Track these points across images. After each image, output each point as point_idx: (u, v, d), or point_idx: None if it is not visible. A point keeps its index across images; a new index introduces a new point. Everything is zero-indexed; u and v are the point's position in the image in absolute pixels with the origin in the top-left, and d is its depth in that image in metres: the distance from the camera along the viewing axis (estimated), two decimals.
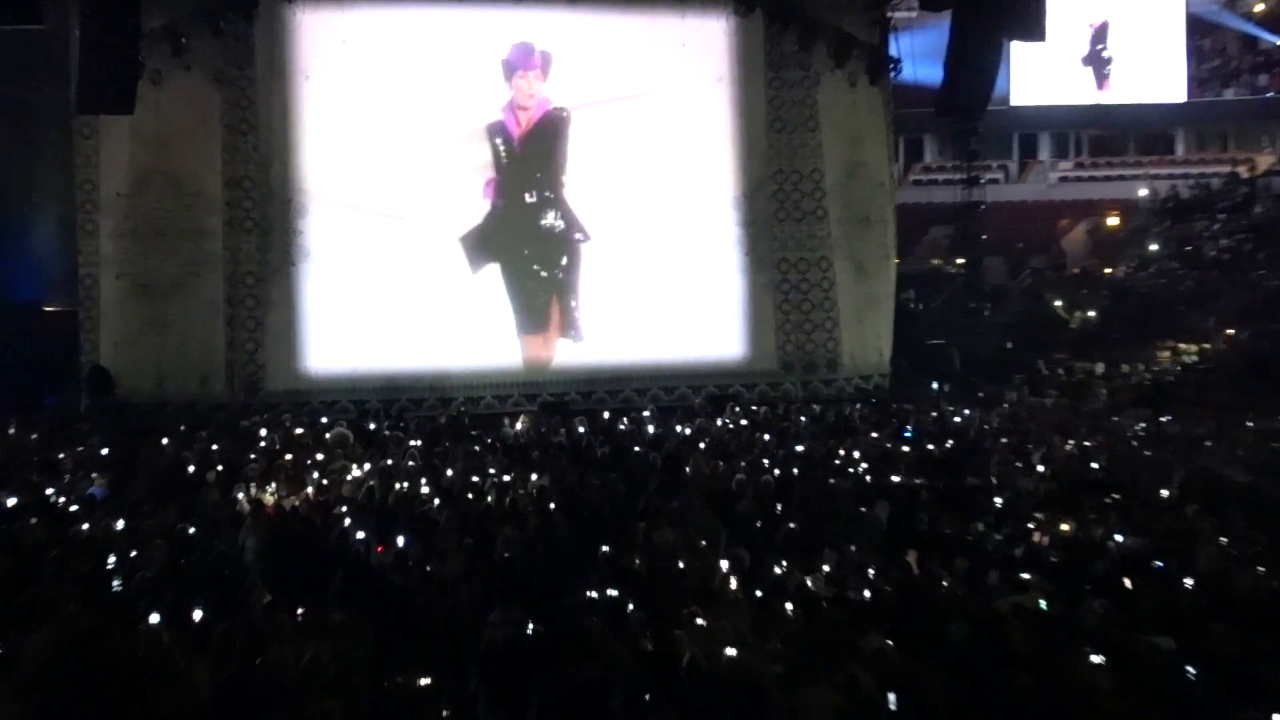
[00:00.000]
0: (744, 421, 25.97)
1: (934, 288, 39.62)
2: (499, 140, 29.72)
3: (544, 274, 29.91)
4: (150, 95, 26.56)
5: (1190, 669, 10.49)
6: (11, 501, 16.90)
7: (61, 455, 20.70)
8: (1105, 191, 49.04)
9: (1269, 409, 25.73)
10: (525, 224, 29.93)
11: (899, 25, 32.19)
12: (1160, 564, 14.01)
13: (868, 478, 19.57)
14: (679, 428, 24.94)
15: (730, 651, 10.74)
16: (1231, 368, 32.16)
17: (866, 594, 12.94)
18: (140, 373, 27.25)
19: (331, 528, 15.88)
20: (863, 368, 31.39)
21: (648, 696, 10.43)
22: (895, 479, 19.33)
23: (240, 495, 17.86)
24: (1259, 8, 51.23)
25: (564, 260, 30.02)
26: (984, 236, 37.35)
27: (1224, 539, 15.26)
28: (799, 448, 22.04)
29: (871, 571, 13.72)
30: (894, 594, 12.97)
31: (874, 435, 23.97)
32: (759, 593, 13.02)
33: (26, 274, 28.75)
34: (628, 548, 14.72)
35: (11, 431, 23.12)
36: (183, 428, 24.01)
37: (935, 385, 32.24)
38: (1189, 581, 13.17)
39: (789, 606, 12.30)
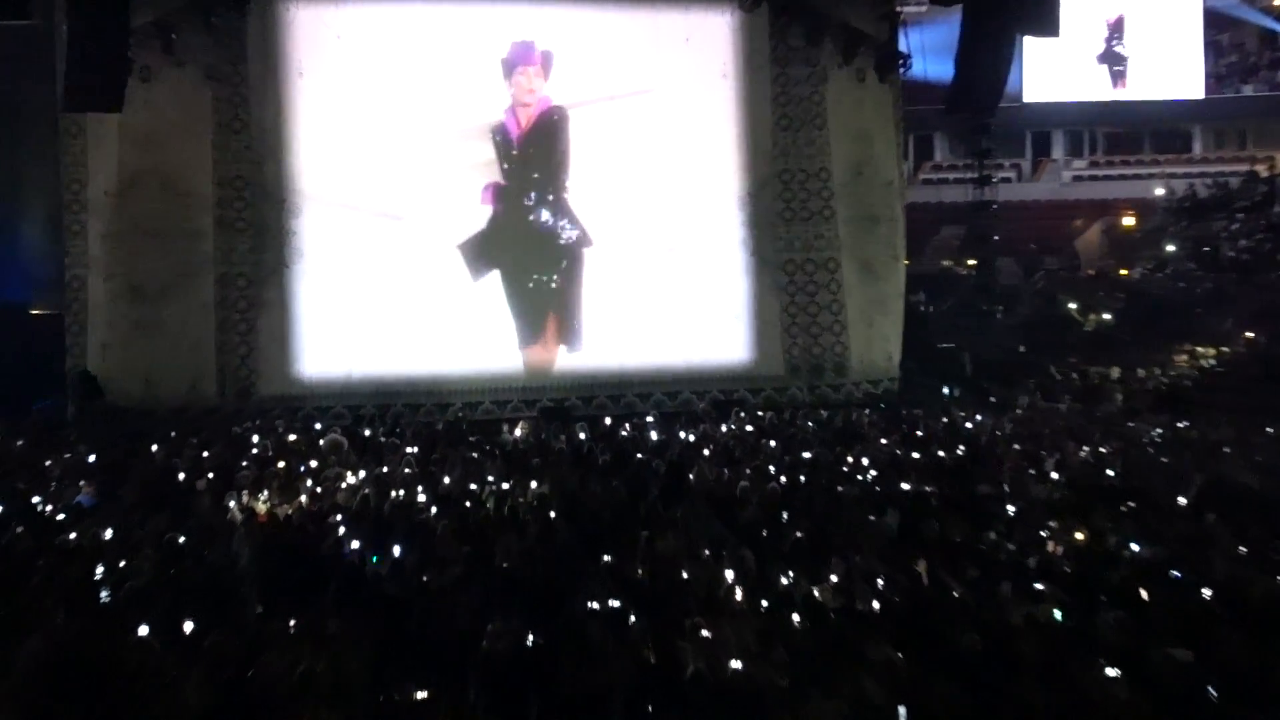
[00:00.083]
0: (749, 427, 25.84)
1: (944, 289, 39.48)
2: (498, 141, 29.51)
3: (544, 278, 29.68)
4: (140, 92, 26.32)
5: (1208, 681, 10.32)
6: None
7: (49, 462, 20.53)
8: (1120, 191, 48.86)
9: None
10: (525, 227, 29.70)
11: (908, 20, 32.11)
12: (1177, 573, 13.82)
13: (876, 485, 19.54)
14: (683, 434, 24.92)
15: (735, 663, 10.71)
16: (1250, 371, 32.05)
17: (875, 604, 12.92)
18: (129, 377, 26.99)
19: (326, 536, 15.78)
20: (871, 372, 31.13)
21: (650, 709, 10.42)
22: (905, 486, 19.26)
23: (232, 503, 17.78)
24: (1278, 1, 50.75)
25: (564, 263, 29.78)
26: (996, 237, 37.16)
27: (1242, 548, 15.10)
28: (806, 454, 21.98)
29: (880, 581, 13.66)
30: (903, 604, 12.91)
31: (883, 441, 23.88)
32: (765, 603, 12.96)
33: (13, 276, 28.58)
34: (630, 557, 14.71)
35: None
36: (173, 434, 23.76)
37: (946, 389, 32.03)
38: (1207, 591, 12.97)
39: (795, 617, 12.28)
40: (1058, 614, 12.16)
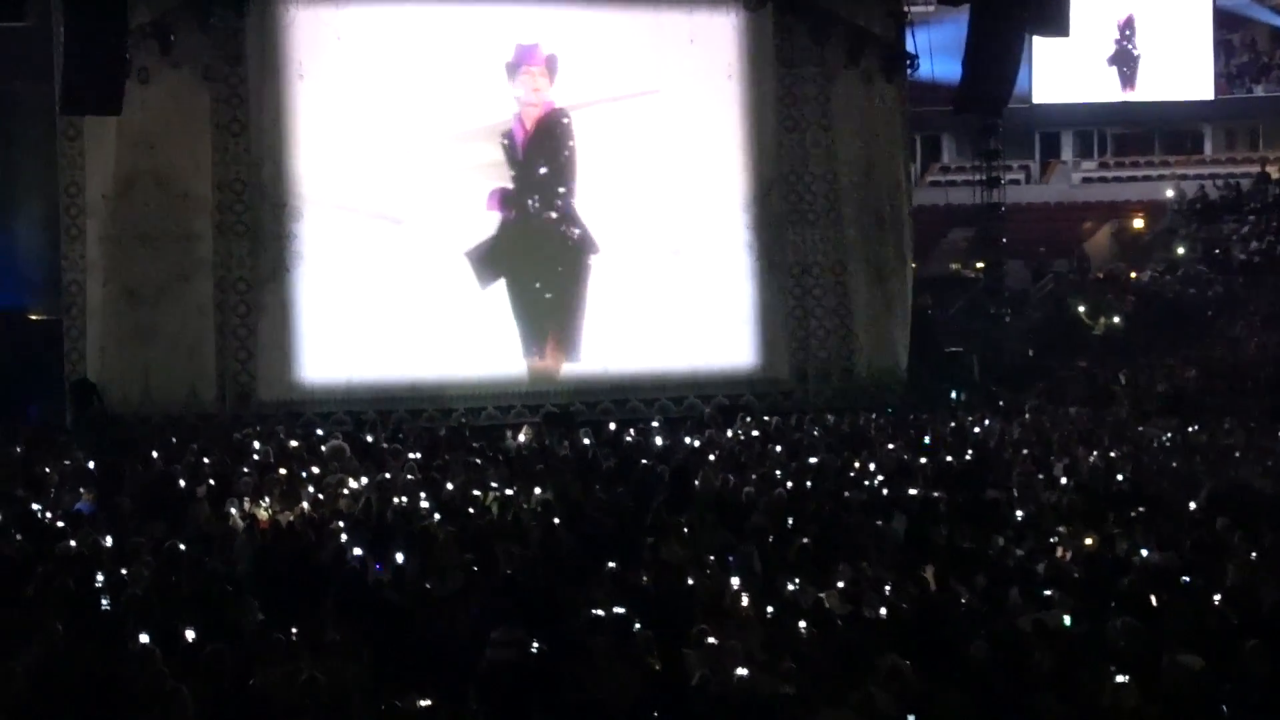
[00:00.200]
0: (755, 433, 25.97)
1: (952, 292, 39.58)
2: (505, 145, 29.35)
3: (549, 282, 29.53)
4: (137, 94, 26.01)
5: (1219, 689, 10.43)
6: None
7: (47, 469, 20.53)
8: (1130, 192, 48.82)
9: None
10: (531, 232, 29.61)
11: (915, 19, 31.87)
12: (1188, 579, 14.01)
13: (884, 490, 19.84)
14: (688, 439, 25.14)
15: (741, 671, 10.74)
16: (1261, 375, 31.92)
17: (883, 611, 13.01)
18: (127, 382, 26.86)
19: (327, 543, 15.94)
20: (879, 376, 31.00)
21: (656, 718, 10.53)
22: (912, 491, 19.58)
23: (233, 510, 17.89)
24: None
25: (570, 268, 29.64)
26: (1004, 239, 36.90)
27: (1254, 553, 15.27)
28: (812, 460, 22.26)
29: (888, 588, 13.80)
30: (911, 611, 13.02)
31: (890, 446, 24.07)
32: (771, 610, 13.08)
33: (9, 280, 28.46)
34: (635, 564, 14.90)
35: None
36: (173, 440, 23.68)
37: (954, 394, 31.94)
38: (1218, 597, 13.08)
39: (802, 624, 12.33)
40: (1067, 620, 12.23)
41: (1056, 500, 18.78)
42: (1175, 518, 17.64)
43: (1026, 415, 28.36)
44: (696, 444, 24.38)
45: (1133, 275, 42.88)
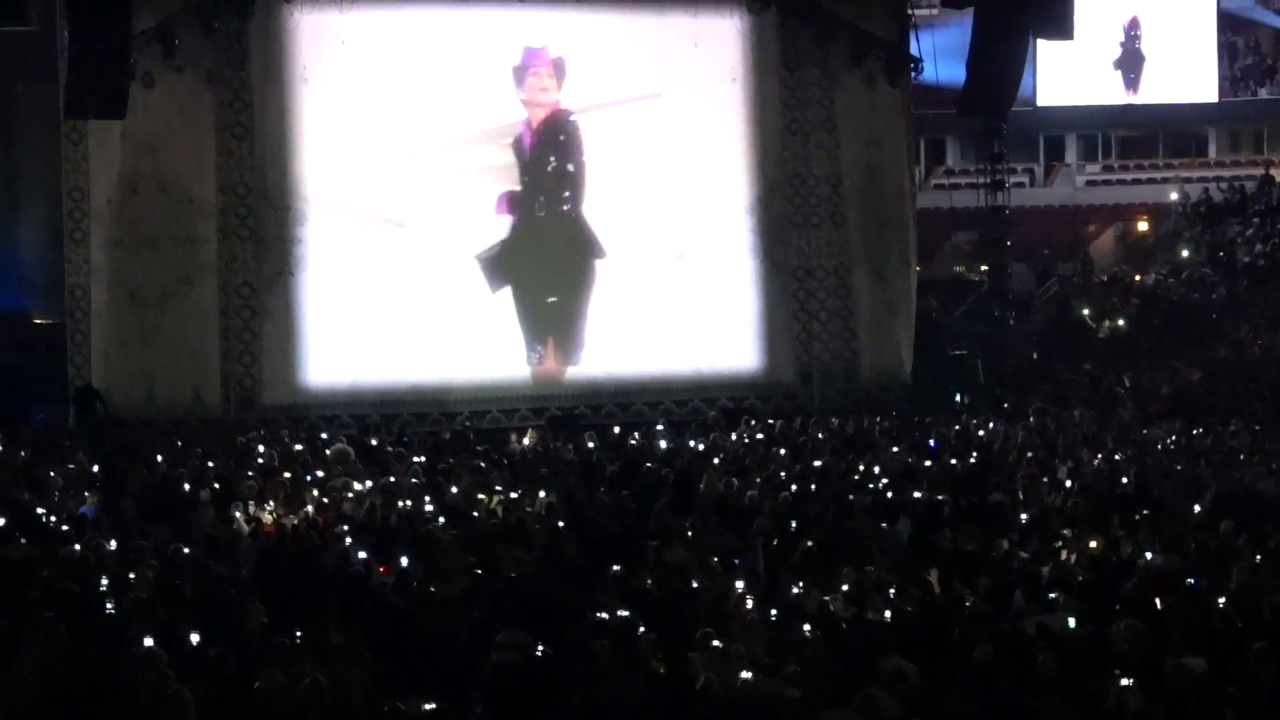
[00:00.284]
0: (759, 435, 25.96)
1: (957, 295, 39.33)
2: (512, 148, 29.35)
3: (553, 285, 29.52)
4: (141, 98, 26.08)
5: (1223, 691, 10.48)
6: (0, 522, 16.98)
7: (51, 473, 20.48)
8: (1135, 195, 48.62)
9: None
10: (536, 235, 29.59)
11: (919, 22, 31.93)
12: (1192, 582, 14.13)
13: (888, 493, 19.88)
14: (692, 443, 25.14)
15: (746, 674, 10.86)
16: (1266, 378, 31.88)
17: (887, 614, 13.13)
18: (131, 386, 26.86)
19: (330, 547, 16.05)
20: (883, 379, 30.98)
21: None
22: (916, 494, 19.63)
23: (237, 514, 18.02)
24: None
25: (573, 271, 29.62)
26: (1008, 242, 36.86)
27: (1259, 556, 15.33)
28: (816, 463, 22.31)
29: (892, 591, 13.93)
30: (915, 614, 13.14)
31: (894, 449, 24.08)
32: (775, 613, 13.24)
33: (12, 283, 28.41)
34: (639, 567, 15.04)
35: None
36: (177, 444, 23.68)
37: (958, 397, 31.90)
38: (1222, 600, 13.18)
39: (807, 627, 12.51)
40: (1071, 623, 12.31)
41: (1061, 503, 18.77)
42: (1180, 521, 17.65)
43: (1031, 418, 28.31)
44: (700, 447, 24.38)
45: (1137, 278, 42.75)
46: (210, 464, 21.33)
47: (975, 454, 23.53)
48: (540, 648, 11.89)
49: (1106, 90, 47.79)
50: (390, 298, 28.19)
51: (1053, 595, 13.54)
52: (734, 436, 25.77)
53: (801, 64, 30.49)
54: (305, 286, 27.94)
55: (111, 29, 23.52)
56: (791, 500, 18.64)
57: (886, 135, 31.17)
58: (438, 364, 28.40)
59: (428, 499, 18.90)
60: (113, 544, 15.72)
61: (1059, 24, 29.00)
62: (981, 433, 26.48)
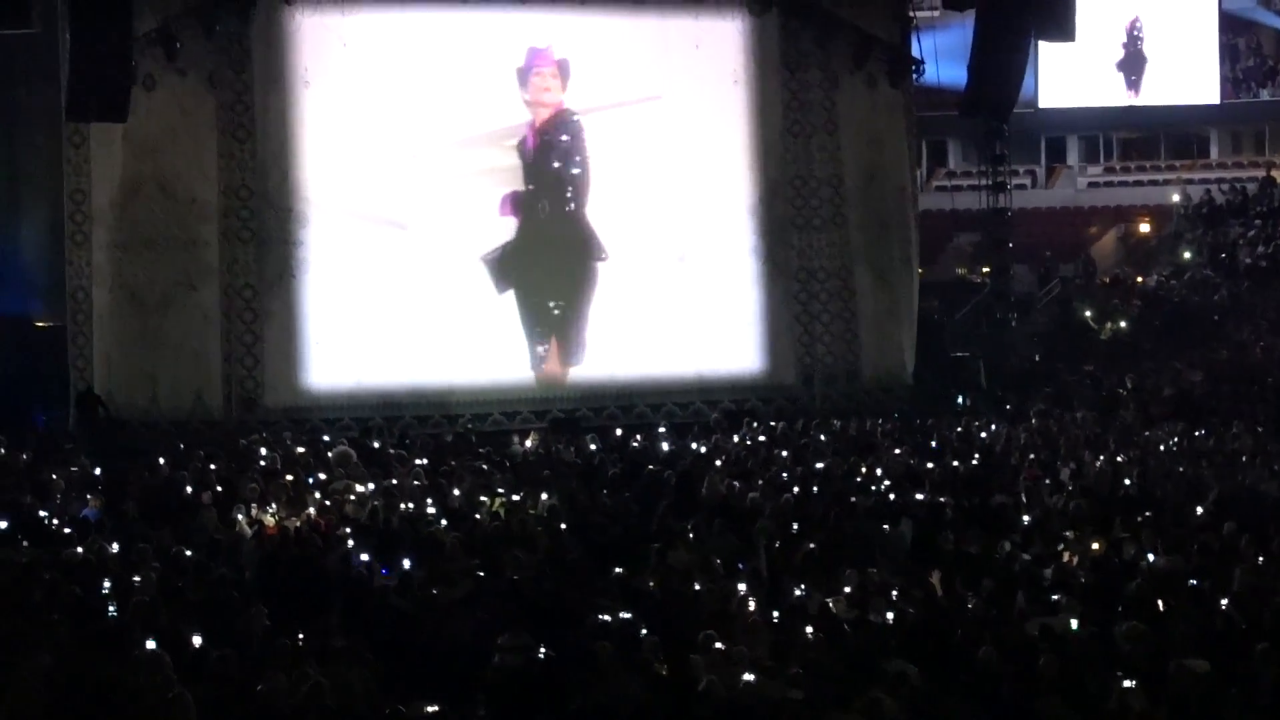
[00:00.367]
0: (761, 438, 25.93)
1: (958, 297, 39.21)
2: (516, 149, 29.34)
3: (555, 287, 29.52)
4: (143, 100, 26.14)
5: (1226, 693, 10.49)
6: (2, 525, 17.04)
7: (54, 476, 20.47)
8: (1136, 197, 48.52)
9: None
10: (538, 237, 29.56)
11: (921, 24, 31.99)
12: (1195, 584, 14.12)
13: (890, 495, 19.83)
14: (694, 444, 25.17)
15: (748, 677, 10.87)
16: (1268, 379, 31.77)
17: (889, 616, 13.16)
18: (133, 389, 26.83)
19: (333, 550, 16.06)
20: (884, 381, 30.99)
21: None
22: (919, 496, 19.63)
23: (239, 517, 18.02)
24: None
25: (575, 273, 29.61)
26: (1010, 244, 36.75)
27: (1261, 558, 15.31)
28: (819, 465, 22.31)
29: (895, 593, 13.92)
30: (918, 616, 13.15)
31: (896, 451, 24.05)
32: (777, 615, 13.26)
33: (14, 286, 28.38)
34: (641, 569, 14.95)
35: (1, 451, 22.84)
36: (179, 446, 23.76)
37: (960, 399, 31.88)
38: (1225, 602, 13.20)
39: (809, 629, 12.52)
40: (1074, 625, 12.34)
41: (1063, 505, 18.75)
42: (1182, 522, 17.61)
43: (1033, 420, 28.28)
44: (702, 449, 24.39)
45: (1139, 280, 42.65)
46: (212, 466, 21.34)
47: (977, 456, 23.51)
48: (542, 650, 11.90)
49: (1108, 92, 47.77)
50: (392, 300, 28.16)
51: (1055, 597, 13.54)
52: (736, 438, 25.72)
53: (803, 66, 30.48)
54: (307, 289, 27.92)
55: (113, 31, 23.58)
56: (794, 502, 18.60)
57: (888, 137, 31.14)
58: (440, 366, 28.36)
59: (430, 501, 18.89)
60: (115, 547, 15.72)
61: (1060, 25, 29.01)
62: (984, 434, 26.48)
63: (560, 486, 20.11)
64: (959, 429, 27.09)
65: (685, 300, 29.66)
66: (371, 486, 19.98)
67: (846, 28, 30.51)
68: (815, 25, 30.43)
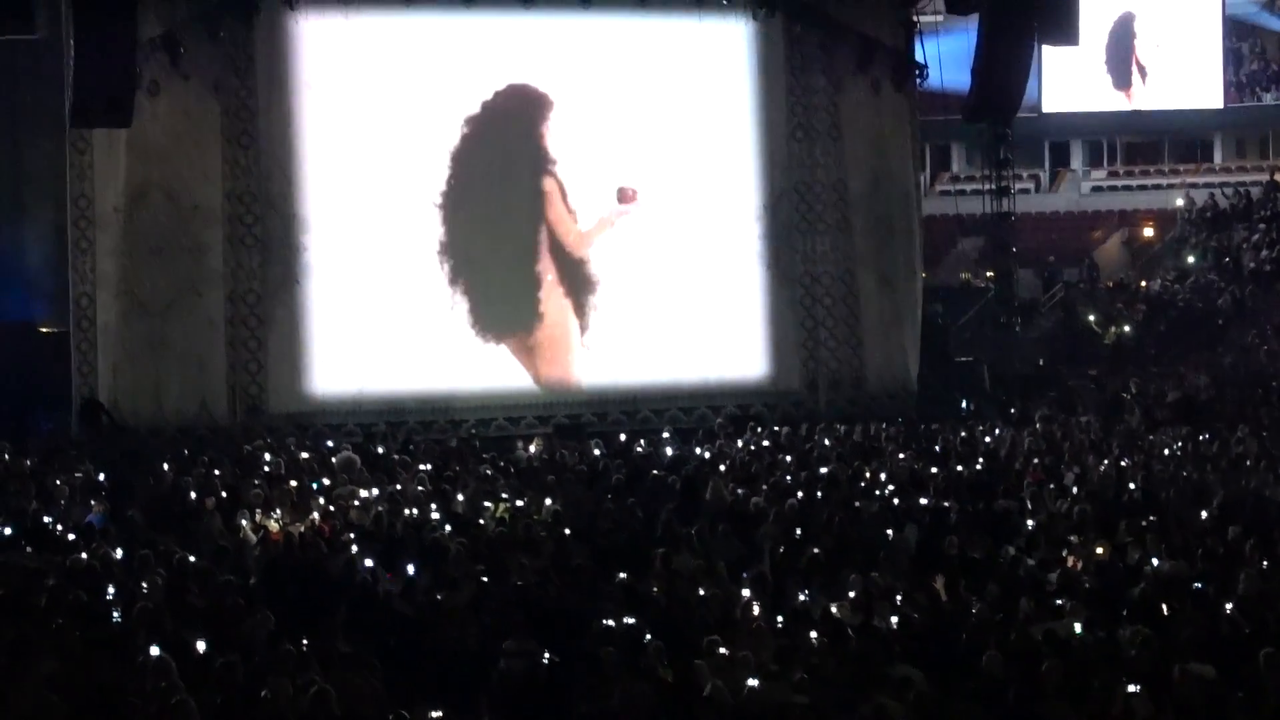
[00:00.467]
0: (766, 443, 25.87)
1: (963, 302, 39.38)
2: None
3: (557, 289, 29.36)
4: (147, 106, 26.12)
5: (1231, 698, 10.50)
6: (6, 530, 17.04)
7: (58, 481, 20.45)
8: (1140, 201, 48.73)
9: None
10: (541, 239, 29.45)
11: (925, 29, 31.88)
12: (1200, 588, 14.09)
13: (895, 500, 19.78)
14: (698, 450, 25.16)
15: (753, 682, 10.85)
16: (1273, 383, 31.83)
17: (894, 621, 13.18)
18: (138, 395, 26.77)
19: (338, 555, 15.99)
20: (889, 386, 30.89)
21: None
22: (923, 501, 19.61)
23: (244, 522, 18.00)
24: None
25: (578, 275, 29.48)
26: (1014, 248, 36.75)
27: (1266, 562, 15.31)
28: (823, 470, 22.18)
29: (899, 598, 13.95)
30: (923, 621, 13.15)
31: (901, 456, 23.98)
32: (782, 621, 13.21)
33: (18, 292, 28.37)
34: (645, 575, 14.91)
35: (5, 457, 22.62)
36: (183, 452, 23.67)
37: (964, 403, 31.89)
38: (1230, 606, 13.19)
39: (814, 635, 12.48)
40: (1079, 630, 12.33)
41: (1067, 509, 18.71)
42: (1187, 527, 17.61)
43: (1037, 424, 28.27)
44: (707, 454, 24.36)
45: (1143, 284, 42.90)
46: (217, 472, 21.26)
47: (981, 461, 23.43)
48: (547, 655, 11.91)
49: (1111, 96, 47.80)
50: (396, 306, 28.11)
51: (1060, 602, 13.52)
52: (740, 443, 25.68)
53: (807, 70, 30.44)
54: (312, 294, 27.87)
55: (117, 37, 23.43)
56: (798, 507, 18.51)
57: (892, 141, 31.09)
58: (444, 372, 28.29)
59: (434, 507, 18.83)
60: (120, 553, 15.69)
61: (1064, 30, 29.00)
62: (988, 439, 26.42)
63: (564, 492, 20.05)
64: (963, 434, 27.02)
65: (689, 305, 29.59)
66: (376, 492, 19.92)
67: (850, 32, 30.47)
68: (819, 30, 30.40)
